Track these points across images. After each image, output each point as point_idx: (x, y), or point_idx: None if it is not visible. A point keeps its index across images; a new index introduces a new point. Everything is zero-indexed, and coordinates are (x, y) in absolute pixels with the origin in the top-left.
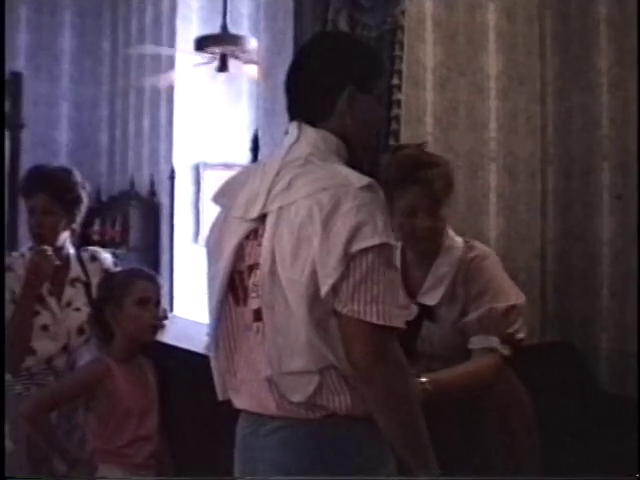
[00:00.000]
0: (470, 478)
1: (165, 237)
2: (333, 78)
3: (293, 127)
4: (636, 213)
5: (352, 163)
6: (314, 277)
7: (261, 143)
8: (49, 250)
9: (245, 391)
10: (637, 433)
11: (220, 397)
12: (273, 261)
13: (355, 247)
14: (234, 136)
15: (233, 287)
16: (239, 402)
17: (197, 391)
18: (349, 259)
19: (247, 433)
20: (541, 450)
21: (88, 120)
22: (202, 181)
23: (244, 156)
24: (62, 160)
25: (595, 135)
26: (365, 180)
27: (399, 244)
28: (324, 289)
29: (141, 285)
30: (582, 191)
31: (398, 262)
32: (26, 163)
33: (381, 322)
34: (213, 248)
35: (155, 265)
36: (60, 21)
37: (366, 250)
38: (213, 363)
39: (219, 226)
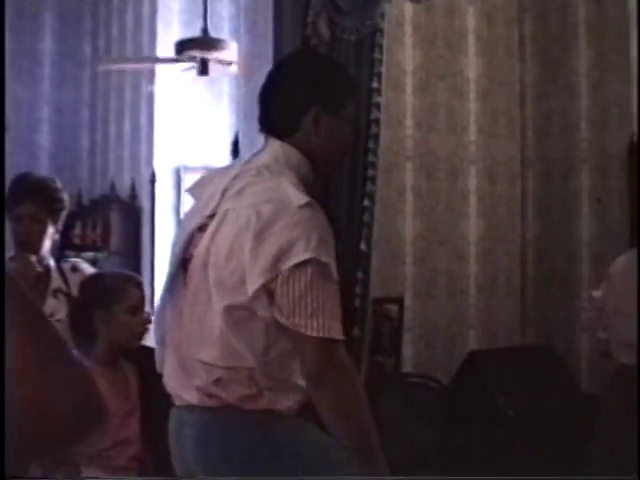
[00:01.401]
0: (470, 478)
1: (146, 241)
2: (301, 96)
3: (264, 137)
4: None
5: (313, 180)
6: (242, 282)
7: (241, 146)
8: (32, 257)
9: (169, 370)
10: (637, 433)
11: (158, 369)
12: (207, 256)
13: (287, 263)
14: (215, 139)
15: (184, 272)
16: (167, 380)
17: None
18: (285, 274)
19: (173, 429)
20: (521, 450)
21: (69, 123)
22: (183, 184)
23: (225, 159)
24: (43, 164)
25: (574, 137)
26: (304, 199)
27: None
28: (250, 290)
29: (134, 293)
30: (562, 194)
31: (336, 276)
32: (7, 167)
33: (321, 335)
34: (176, 237)
35: (136, 269)
36: (41, 24)
37: (304, 265)
38: (156, 336)
39: (183, 220)
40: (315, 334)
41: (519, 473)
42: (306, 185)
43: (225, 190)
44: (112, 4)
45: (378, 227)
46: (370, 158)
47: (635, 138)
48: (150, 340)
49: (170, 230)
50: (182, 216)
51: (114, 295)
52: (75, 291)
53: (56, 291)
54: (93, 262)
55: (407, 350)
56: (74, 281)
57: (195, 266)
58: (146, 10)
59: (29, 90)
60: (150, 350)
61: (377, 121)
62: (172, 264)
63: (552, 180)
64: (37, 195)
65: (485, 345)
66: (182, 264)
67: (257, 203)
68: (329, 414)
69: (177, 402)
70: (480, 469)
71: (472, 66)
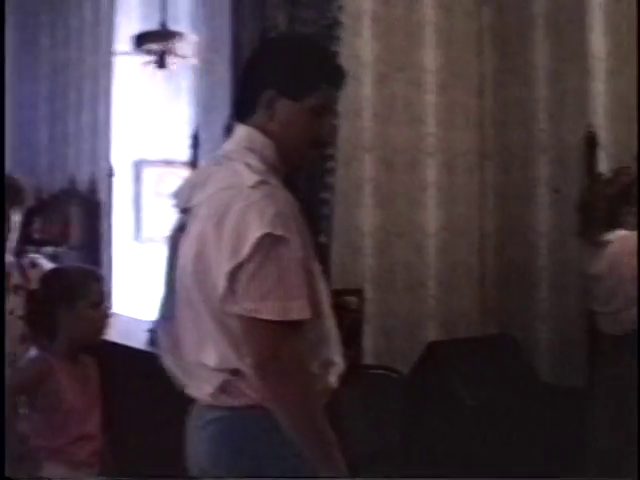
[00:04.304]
0: (469, 478)
1: (106, 235)
2: (256, 78)
3: (234, 124)
4: None
5: (280, 164)
6: (214, 279)
7: (201, 140)
8: None
9: (184, 377)
10: (637, 433)
11: (180, 387)
12: (187, 257)
13: (243, 248)
14: (174, 133)
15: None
16: (187, 388)
17: (139, 388)
18: (240, 259)
19: (191, 425)
20: (481, 440)
21: (28, 118)
22: (142, 178)
23: (184, 153)
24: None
25: (532, 129)
26: (255, 178)
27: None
28: (219, 291)
29: (95, 288)
30: (520, 185)
31: (300, 252)
32: None
33: (274, 318)
34: (165, 241)
35: (96, 263)
36: None
37: (255, 246)
38: (164, 352)
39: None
40: (268, 316)
41: (479, 462)
42: (275, 168)
43: (194, 184)
44: None
45: (337, 219)
46: (329, 150)
47: (592, 129)
48: (109, 334)
49: (129, 224)
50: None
51: (77, 290)
52: (35, 287)
53: (16, 287)
54: (53, 257)
55: (367, 342)
56: (34, 277)
57: (180, 270)
58: (104, 3)
59: None
60: (110, 344)
61: (334, 113)
62: (167, 272)
63: (510, 171)
64: (8, 195)
65: (445, 336)
66: (173, 269)
67: (215, 192)
68: (276, 410)
69: (203, 417)
70: (441, 459)
71: (430, 58)
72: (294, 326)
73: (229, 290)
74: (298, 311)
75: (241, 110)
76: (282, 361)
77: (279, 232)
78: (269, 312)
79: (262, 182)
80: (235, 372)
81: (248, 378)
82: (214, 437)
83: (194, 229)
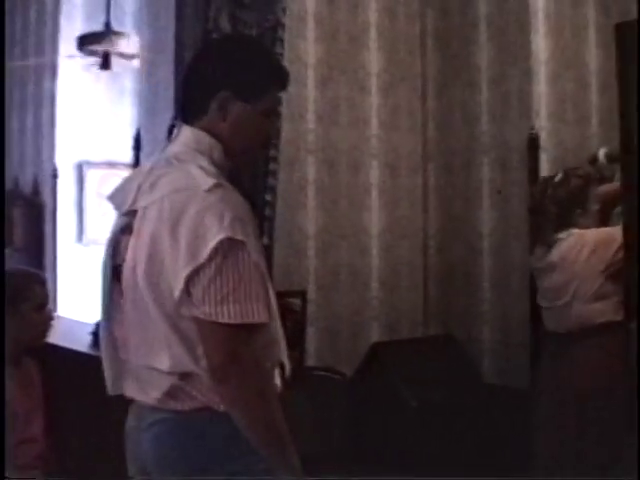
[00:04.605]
0: (469, 478)
1: (49, 237)
2: (211, 79)
3: (178, 126)
4: None
5: (229, 166)
6: (169, 282)
7: (143, 141)
8: None
9: (129, 380)
10: (637, 433)
11: (109, 392)
12: (134, 260)
13: (204, 251)
14: (117, 134)
15: (118, 280)
16: (126, 390)
17: (82, 390)
18: (199, 263)
19: (132, 426)
20: (425, 440)
21: None
22: (85, 180)
23: (127, 154)
24: None
25: (475, 131)
26: (211, 181)
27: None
28: (176, 294)
29: (39, 291)
30: (463, 186)
31: (255, 255)
32: None
33: (232, 321)
34: (105, 243)
35: (39, 265)
36: None
37: (214, 250)
38: (104, 355)
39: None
40: (226, 320)
41: (423, 463)
42: (222, 169)
43: (140, 185)
44: None
45: (280, 221)
46: (272, 152)
47: (534, 131)
48: (52, 337)
49: (72, 226)
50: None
51: (20, 294)
52: None
53: None
54: None
55: (310, 343)
56: None
57: (126, 272)
58: (49, 4)
59: None
60: (52, 347)
61: (278, 115)
62: (105, 275)
63: (453, 173)
64: None
65: (388, 337)
66: (114, 272)
67: (168, 194)
68: (234, 412)
69: (146, 419)
70: (385, 460)
71: (374, 60)
72: (251, 329)
73: (185, 293)
74: (257, 314)
75: (188, 111)
76: (241, 363)
77: (239, 237)
78: (228, 316)
79: (217, 185)
80: (184, 376)
81: (199, 381)
82: (158, 437)
83: (145, 231)
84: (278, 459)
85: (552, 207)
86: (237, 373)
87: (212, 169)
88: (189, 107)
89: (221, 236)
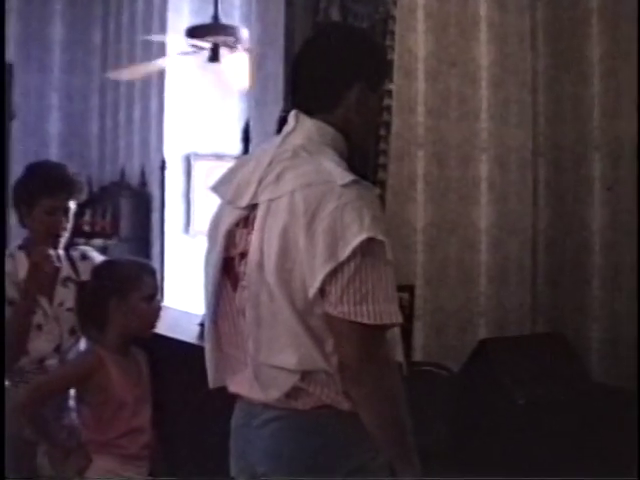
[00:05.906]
0: (468, 478)
1: (156, 228)
2: (344, 72)
3: (292, 117)
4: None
5: (349, 155)
6: (302, 278)
7: (252, 134)
8: (51, 251)
9: (239, 377)
10: (637, 432)
11: (211, 385)
12: (261, 253)
13: (345, 249)
14: (225, 126)
15: (228, 273)
16: (233, 387)
17: (189, 381)
18: (339, 262)
19: (240, 424)
20: (531, 439)
21: (79, 110)
22: (193, 171)
23: (235, 147)
24: (53, 151)
25: (586, 126)
26: (348, 177)
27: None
28: (311, 292)
29: (149, 281)
30: (573, 182)
31: (390, 255)
32: (16, 154)
33: (371, 322)
34: (210, 235)
35: (146, 256)
36: (50, 11)
37: (355, 250)
38: (207, 348)
39: (216, 214)
40: (365, 320)
41: (528, 463)
42: (344, 161)
43: (261, 178)
44: None
45: (389, 215)
46: (381, 146)
47: None
48: (159, 328)
49: (180, 217)
50: (210, 220)
51: (130, 283)
52: (85, 279)
53: (65, 279)
54: (102, 249)
55: (418, 338)
56: (84, 269)
57: (250, 267)
58: None
59: (39, 77)
60: (160, 338)
61: (389, 108)
62: (212, 267)
63: (563, 168)
64: (71, 188)
65: (495, 333)
66: (224, 265)
67: (300, 188)
68: (366, 412)
69: (259, 417)
70: (490, 458)
71: (484, 53)
72: (385, 329)
73: (320, 291)
74: (394, 315)
75: (315, 103)
76: (377, 363)
77: (380, 237)
78: (367, 316)
79: (354, 181)
80: (306, 374)
81: (321, 379)
82: (274, 435)
83: (273, 225)
84: (401, 457)
85: None
86: (372, 373)
87: (344, 163)
88: (317, 99)
89: (363, 236)
